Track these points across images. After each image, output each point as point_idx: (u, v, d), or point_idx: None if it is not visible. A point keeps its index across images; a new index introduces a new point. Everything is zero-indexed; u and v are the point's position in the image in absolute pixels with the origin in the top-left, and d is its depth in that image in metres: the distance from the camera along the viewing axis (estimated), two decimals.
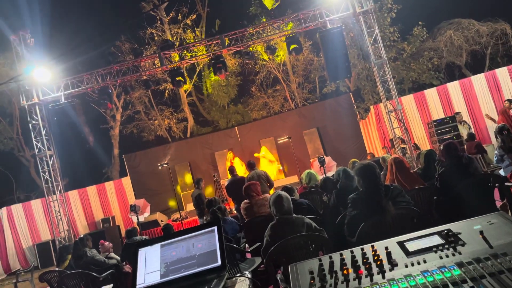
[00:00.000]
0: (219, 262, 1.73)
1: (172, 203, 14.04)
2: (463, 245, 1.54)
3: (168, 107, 18.61)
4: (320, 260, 1.68)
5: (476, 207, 4.80)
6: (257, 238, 5.17)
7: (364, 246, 1.70)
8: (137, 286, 1.76)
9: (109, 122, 17.94)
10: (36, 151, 10.64)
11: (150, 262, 1.83)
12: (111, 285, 6.31)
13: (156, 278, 1.76)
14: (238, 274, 1.73)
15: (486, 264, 1.38)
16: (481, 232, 1.56)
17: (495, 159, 6.41)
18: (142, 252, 1.88)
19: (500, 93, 12.07)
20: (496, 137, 6.52)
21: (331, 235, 4.81)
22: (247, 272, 1.72)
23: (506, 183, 4.92)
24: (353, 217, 3.87)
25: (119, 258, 7.09)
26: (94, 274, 5.80)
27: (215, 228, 1.87)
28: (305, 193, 6.62)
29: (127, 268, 6.87)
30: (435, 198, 5.02)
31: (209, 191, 13.54)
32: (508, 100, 10.28)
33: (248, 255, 5.72)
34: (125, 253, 6.93)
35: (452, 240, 1.57)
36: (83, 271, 5.83)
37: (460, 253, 1.49)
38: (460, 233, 1.61)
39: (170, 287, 1.70)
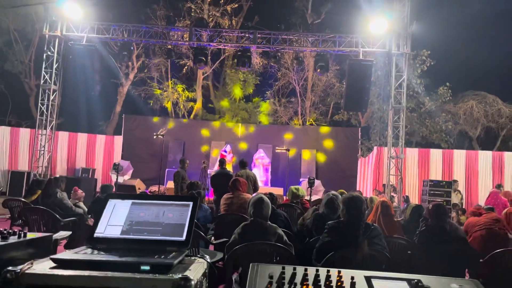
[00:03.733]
0: (184, 238, 1.67)
1: (154, 175, 13.95)
2: None
3: (182, 83, 18.55)
4: (283, 268, 1.62)
5: (445, 275, 4.77)
6: (226, 234, 5.11)
7: (331, 269, 1.64)
8: (94, 234, 1.70)
9: (120, 79, 17.86)
10: (42, 81, 10.57)
11: (116, 216, 1.77)
12: (70, 232, 6.23)
13: (116, 233, 1.70)
14: (199, 255, 1.67)
15: None
16: None
17: None
18: (111, 203, 1.82)
19: (501, 175, 12.07)
20: None
21: (297, 253, 4.75)
22: (207, 256, 1.66)
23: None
24: (325, 243, 3.81)
25: (86, 209, 7.01)
26: (57, 216, 5.72)
27: (191, 203, 1.81)
28: (286, 205, 6.57)
29: (91, 221, 6.79)
30: (409, 252, 4.96)
31: (193, 176, 13.46)
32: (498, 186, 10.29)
33: (211, 248, 5.66)
34: (94, 206, 6.85)
35: None
36: (46, 209, 5.75)
37: None
38: (429, 287, 1.56)
39: (127, 246, 1.64)
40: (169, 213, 1.77)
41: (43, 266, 1.35)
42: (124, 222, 1.74)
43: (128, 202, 1.82)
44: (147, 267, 1.36)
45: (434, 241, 4.67)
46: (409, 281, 1.60)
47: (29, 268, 1.30)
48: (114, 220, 1.75)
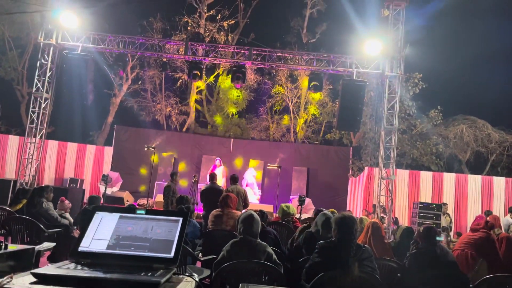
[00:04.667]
0: (172, 255, 1.61)
1: (143, 188, 13.79)
2: None
3: (176, 96, 18.54)
4: None
5: None
6: (214, 251, 5.02)
7: None
8: (79, 248, 1.63)
9: (114, 89, 17.80)
10: (34, 89, 10.49)
11: (102, 229, 1.71)
12: (54, 244, 6.10)
13: (102, 247, 1.64)
14: (187, 274, 1.61)
15: None
16: None
17: None
18: (98, 216, 1.76)
19: (490, 200, 12.14)
20: None
21: (287, 273, 4.68)
22: (195, 275, 1.61)
23: None
24: (315, 263, 3.75)
25: (72, 220, 6.88)
26: (41, 226, 5.59)
27: (180, 219, 1.76)
28: (276, 223, 6.51)
29: (76, 233, 6.65)
30: (398, 275, 4.91)
31: (183, 190, 13.34)
32: (487, 212, 10.33)
33: (198, 264, 5.56)
34: (81, 217, 6.72)
35: None
36: (31, 219, 5.62)
37: None
38: None
39: (113, 261, 1.57)
40: (157, 229, 1.72)
41: (23, 281, 1.29)
42: (110, 236, 1.68)
43: (116, 216, 1.77)
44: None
45: (425, 265, 4.63)
46: None
47: (8, 282, 1.24)
48: (100, 234, 1.69)
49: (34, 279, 1.32)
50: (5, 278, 1.26)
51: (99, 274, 1.37)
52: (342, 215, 3.86)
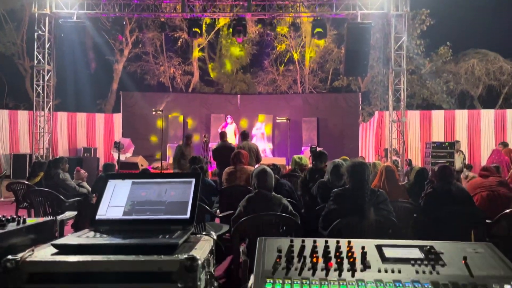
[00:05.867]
0: (188, 215, 1.63)
1: (156, 152, 13.94)
2: (442, 265, 1.45)
3: (178, 56, 18.25)
4: (291, 241, 1.58)
5: (452, 237, 4.78)
6: (231, 207, 5.10)
7: (341, 240, 1.60)
8: (96, 217, 1.65)
9: (115, 55, 17.56)
10: (35, 62, 10.38)
11: (117, 196, 1.72)
12: (75, 212, 6.24)
13: (118, 214, 1.65)
14: (204, 233, 1.63)
15: None
16: (465, 258, 1.47)
17: None
18: (111, 184, 1.77)
19: (504, 133, 12.00)
20: None
21: (303, 222, 4.75)
22: (213, 233, 1.62)
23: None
24: (331, 211, 3.79)
25: (90, 188, 7.01)
26: (61, 197, 5.71)
27: (193, 180, 1.76)
28: (289, 175, 6.55)
29: (94, 200, 6.80)
30: (415, 215, 4.97)
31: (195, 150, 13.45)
32: (503, 143, 10.25)
33: (217, 220, 5.68)
34: (97, 185, 6.85)
35: (432, 258, 1.49)
36: (51, 190, 5.73)
37: (438, 273, 1.40)
38: (442, 253, 1.52)
39: (130, 227, 1.59)
40: (171, 191, 1.72)
41: (44, 253, 1.31)
42: (125, 202, 1.69)
43: (129, 182, 1.77)
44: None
45: (440, 204, 4.65)
46: (421, 247, 1.56)
47: (29, 255, 1.26)
48: (115, 201, 1.70)
49: (55, 250, 1.34)
50: (26, 251, 1.28)
51: (118, 240, 1.38)
52: (353, 162, 3.85)
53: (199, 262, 1.23)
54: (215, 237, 1.61)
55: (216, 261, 5.09)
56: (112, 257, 1.25)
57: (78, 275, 1.23)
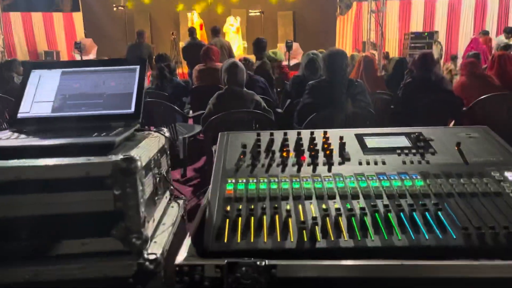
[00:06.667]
0: (133, 109, 1.34)
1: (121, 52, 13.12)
2: (433, 153, 1.25)
3: None
4: (258, 135, 1.34)
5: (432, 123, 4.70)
6: (203, 107, 4.84)
7: (315, 131, 1.37)
8: (18, 115, 1.35)
9: None
10: None
11: (43, 90, 1.40)
12: None
13: (46, 110, 1.35)
14: (154, 129, 1.36)
15: (457, 181, 1.10)
16: (458, 144, 1.27)
17: None
18: (35, 75, 1.43)
19: (483, 21, 11.64)
20: None
21: (278, 120, 4.56)
22: (164, 129, 1.36)
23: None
24: (306, 104, 3.57)
25: None
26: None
27: (137, 68, 1.44)
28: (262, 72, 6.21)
29: None
30: (392, 107, 4.83)
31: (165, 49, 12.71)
32: (483, 32, 9.96)
33: (190, 122, 5.45)
34: None
35: (421, 146, 1.28)
36: (4, 96, 5.27)
37: (427, 162, 1.20)
38: (432, 140, 1.31)
39: (62, 125, 1.30)
40: (111, 81, 1.41)
41: None
42: (54, 97, 1.38)
43: (57, 72, 1.44)
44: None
45: (419, 93, 4.48)
46: (408, 135, 1.34)
47: None
48: (41, 95, 1.38)
49: None
50: None
51: (38, 142, 1.11)
52: (329, 51, 3.54)
53: (139, 163, 0.98)
54: (166, 134, 1.35)
55: (191, 161, 4.91)
56: (27, 162, 0.98)
57: None
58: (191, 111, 5.32)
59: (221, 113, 3.41)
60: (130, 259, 0.98)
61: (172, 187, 1.41)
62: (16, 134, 1.25)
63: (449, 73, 9.31)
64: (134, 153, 1.02)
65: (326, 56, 3.53)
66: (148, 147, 1.16)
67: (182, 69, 9.76)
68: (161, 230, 1.16)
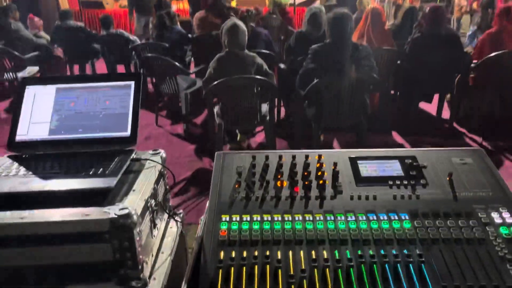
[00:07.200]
0: (128, 132, 1.35)
1: None
2: (424, 185, 1.27)
3: None
4: (254, 158, 1.35)
5: (435, 86, 4.63)
6: (203, 57, 4.76)
7: (309, 152, 1.38)
8: (16, 137, 1.36)
9: None
10: None
11: (39, 109, 1.39)
12: (37, 68, 5.83)
13: (43, 133, 1.36)
14: (149, 157, 1.37)
15: (444, 223, 1.14)
16: (450, 175, 1.29)
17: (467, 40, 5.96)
18: (30, 92, 1.42)
19: None
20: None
21: (282, 77, 4.50)
22: (161, 151, 1.38)
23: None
24: (309, 69, 3.51)
25: (49, 38, 6.41)
26: (16, 53, 5.19)
27: (132, 83, 1.42)
28: (266, 18, 6.00)
29: (59, 52, 6.30)
30: (398, 62, 4.72)
31: None
32: None
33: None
34: (56, 35, 6.23)
35: (413, 175, 1.30)
36: (4, 47, 5.18)
37: (417, 197, 1.23)
38: (425, 167, 1.33)
39: (59, 149, 1.33)
40: (105, 100, 1.40)
41: None
42: (51, 117, 1.38)
43: (52, 89, 1.43)
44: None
45: (427, 49, 4.36)
46: (402, 160, 1.36)
47: None
48: (37, 115, 1.39)
49: None
50: None
51: (37, 184, 1.12)
52: (334, 14, 3.39)
53: (135, 217, 1.01)
54: (163, 155, 1.38)
55: (194, 114, 4.92)
56: (28, 218, 1.02)
57: None
58: (192, 65, 5.22)
59: (221, 80, 3.37)
60: None
61: (169, 205, 1.46)
62: (13, 164, 1.27)
63: (459, 10, 8.92)
64: (130, 202, 1.06)
65: (331, 19, 3.40)
66: (145, 183, 1.20)
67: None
68: (160, 261, 1.23)
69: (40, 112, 1.39)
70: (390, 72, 4.72)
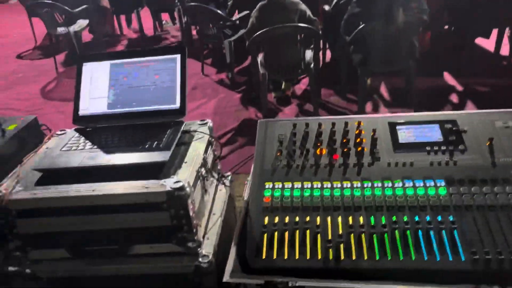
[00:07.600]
0: (178, 105, 1.45)
1: None
2: (462, 151, 1.29)
3: None
4: (294, 126, 1.42)
5: (488, 21, 4.32)
6: (246, 6, 4.68)
7: (349, 119, 1.43)
8: (79, 112, 1.51)
9: None
10: None
11: (97, 85, 1.52)
12: (87, 20, 6.03)
13: (102, 107, 1.49)
14: (199, 122, 1.48)
15: (480, 190, 1.17)
16: (490, 140, 1.29)
17: None
18: (87, 69, 1.54)
19: None
20: None
21: (326, 21, 4.38)
22: (209, 121, 1.49)
23: None
24: (354, 14, 3.39)
25: None
26: (65, 7, 5.35)
27: (178, 56, 1.50)
28: None
29: (105, 2, 6.41)
30: None
31: None
32: None
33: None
34: None
35: (452, 140, 1.32)
36: (53, 2, 5.34)
37: (455, 164, 1.26)
38: (465, 132, 1.34)
39: (116, 122, 1.46)
40: (154, 74, 1.50)
41: (27, 183, 1.24)
42: (107, 92, 1.51)
43: (106, 64, 1.54)
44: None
45: None
46: (441, 123, 1.37)
47: (12, 191, 1.20)
48: (95, 91, 1.52)
49: (39, 175, 1.27)
50: (1, 187, 1.22)
51: (103, 160, 1.27)
52: None
53: (188, 189, 1.14)
54: (210, 125, 1.49)
55: (239, 61, 4.95)
56: (98, 190, 1.18)
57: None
58: (236, 12, 5.11)
59: (263, 30, 3.35)
60: (188, 260, 1.22)
61: (219, 167, 1.59)
62: (82, 139, 1.42)
63: None
64: (183, 174, 1.19)
65: None
66: (195, 154, 1.31)
67: None
68: (211, 222, 1.38)
69: (98, 87, 1.52)
70: (444, 7, 4.43)
